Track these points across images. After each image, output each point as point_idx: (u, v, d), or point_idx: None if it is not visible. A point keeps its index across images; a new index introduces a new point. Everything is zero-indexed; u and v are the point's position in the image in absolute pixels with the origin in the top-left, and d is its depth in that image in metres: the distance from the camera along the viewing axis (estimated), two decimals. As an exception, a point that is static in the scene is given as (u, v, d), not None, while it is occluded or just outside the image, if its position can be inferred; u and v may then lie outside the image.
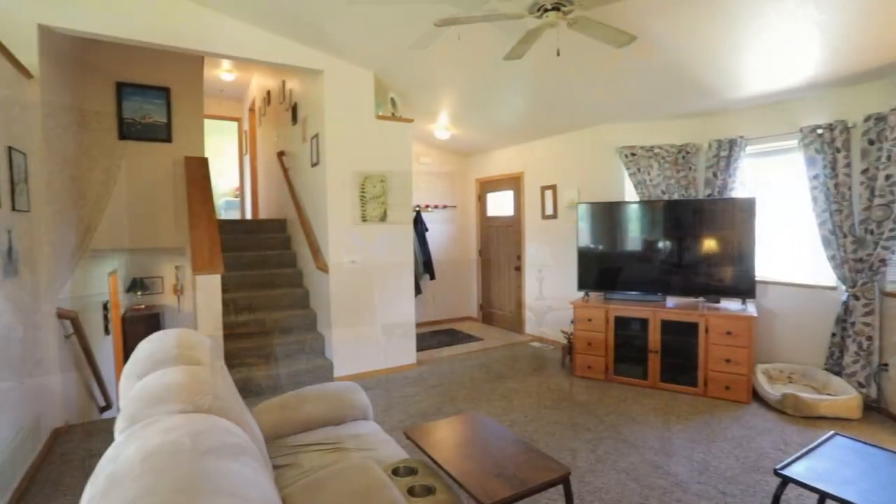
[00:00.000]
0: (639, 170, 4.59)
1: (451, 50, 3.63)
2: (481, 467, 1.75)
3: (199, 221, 4.07)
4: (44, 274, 3.17)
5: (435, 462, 1.82)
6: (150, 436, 0.94)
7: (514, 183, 6.14)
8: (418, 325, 4.79)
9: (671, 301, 4.23)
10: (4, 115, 2.72)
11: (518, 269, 6.08)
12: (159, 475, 0.78)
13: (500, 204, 6.45)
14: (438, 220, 6.69)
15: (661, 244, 4.30)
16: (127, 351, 5.91)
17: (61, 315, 3.38)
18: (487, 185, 6.64)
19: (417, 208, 6.29)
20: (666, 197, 4.47)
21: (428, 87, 4.59)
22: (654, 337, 3.99)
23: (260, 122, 7.41)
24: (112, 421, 3.49)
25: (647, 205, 4.35)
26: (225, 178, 9.29)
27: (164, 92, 5.07)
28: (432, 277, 6.37)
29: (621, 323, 4.17)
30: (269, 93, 6.71)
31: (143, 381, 1.34)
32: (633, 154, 4.60)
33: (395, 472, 1.79)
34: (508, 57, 3.08)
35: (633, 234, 4.43)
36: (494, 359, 4.99)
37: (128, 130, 4.89)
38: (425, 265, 6.18)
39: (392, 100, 4.66)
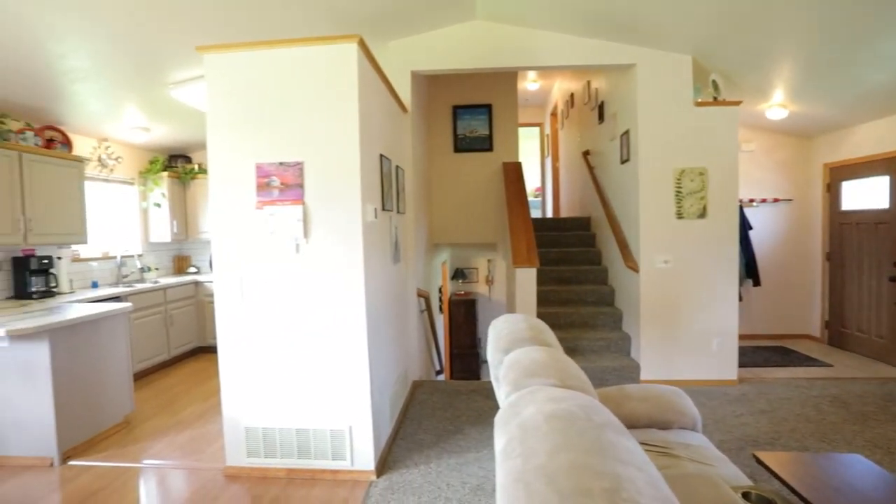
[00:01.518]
0: None
1: (798, 7, 2.99)
2: (879, 526, 1.38)
3: (517, 220, 4.54)
4: (410, 261, 4.11)
5: (806, 501, 1.53)
6: (541, 401, 1.09)
7: (890, 165, 4.63)
8: (739, 337, 4.15)
9: None
10: (395, 141, 3.65)
11: None
12: (567, 436, 0.90)
13: (864, 194, 4.96)
14: (766, 216, 5.63)
15: None
16: (451, 328, 7.11)
17: (419, 294, 4.32)
18: (842, 172, 5.21)
19: (738, 203, 5.45)
20: None
21: (760, 60, 3.89)
22: None
23: (562, 124, 7.77)
24: (443, 383, 4.27)
25: None
26: (526, 180, 10.13)
27: (487, 108, 5.86)
28: (756, 283, 5.41)
29: None
30: (572, 95, 6.96)
31: (511, 355, 1.57)
32: None
33: (746, 496, 1.59)
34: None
35: None
36: (853, 393, 3.89)
37: (460, 144, 5.87)
38: (747, 268, 5.31)
39: (714, 82, 4.16)
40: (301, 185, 2.60)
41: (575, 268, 5.28)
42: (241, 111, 2.64)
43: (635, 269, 4.13)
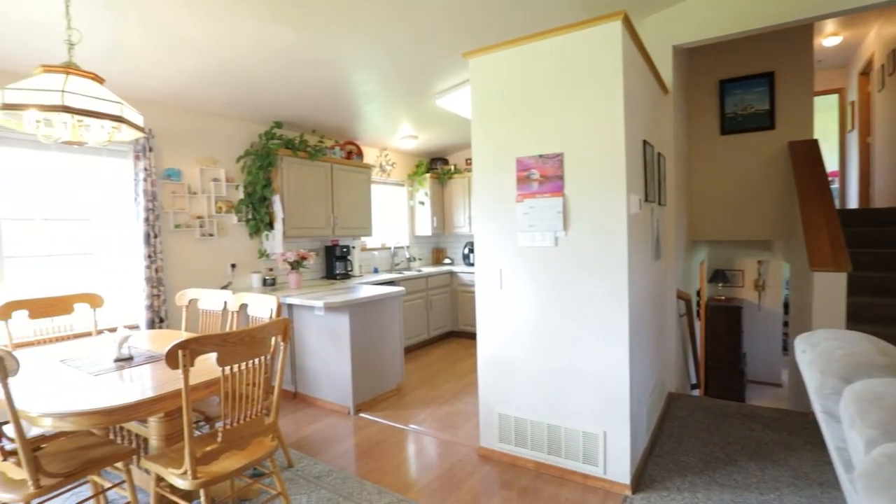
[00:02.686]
0: None
1: None
2: None
3: (814, 211, 3.61)
4: (670, 258, 3.67)
5: None
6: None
7: None
8: None
9: None
10: (656, 126, 3.29)
11: None
12: None
13: None
14: None
15: None
16: (707, 337, 6.19)
17: (679, 296, 3.83)
18: None
19: None
20: None
21: None
22: None
23: (881, 85, 5.89)
24: (704, 400, 3.67)
25: None
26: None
27: (767, 78, 4.84)
28: None
29: None
30: (901, 44, 5.19)
31: (858, 386, 1.18)
32: None
33: None
34: None
35: None
36: None
37: (728, 124, 5.00)
38: None
39: None
40: (561, 177, 2.54)
41: (905, 275, 3.92)
42: (502, 108, 2.73)
43: None
